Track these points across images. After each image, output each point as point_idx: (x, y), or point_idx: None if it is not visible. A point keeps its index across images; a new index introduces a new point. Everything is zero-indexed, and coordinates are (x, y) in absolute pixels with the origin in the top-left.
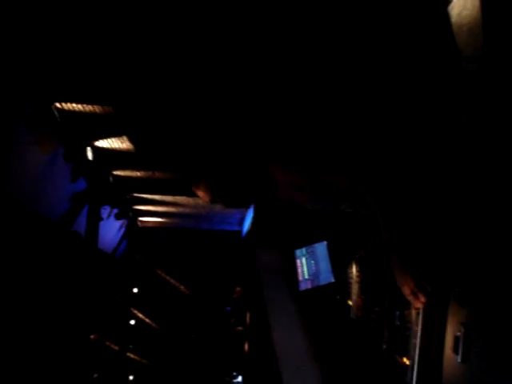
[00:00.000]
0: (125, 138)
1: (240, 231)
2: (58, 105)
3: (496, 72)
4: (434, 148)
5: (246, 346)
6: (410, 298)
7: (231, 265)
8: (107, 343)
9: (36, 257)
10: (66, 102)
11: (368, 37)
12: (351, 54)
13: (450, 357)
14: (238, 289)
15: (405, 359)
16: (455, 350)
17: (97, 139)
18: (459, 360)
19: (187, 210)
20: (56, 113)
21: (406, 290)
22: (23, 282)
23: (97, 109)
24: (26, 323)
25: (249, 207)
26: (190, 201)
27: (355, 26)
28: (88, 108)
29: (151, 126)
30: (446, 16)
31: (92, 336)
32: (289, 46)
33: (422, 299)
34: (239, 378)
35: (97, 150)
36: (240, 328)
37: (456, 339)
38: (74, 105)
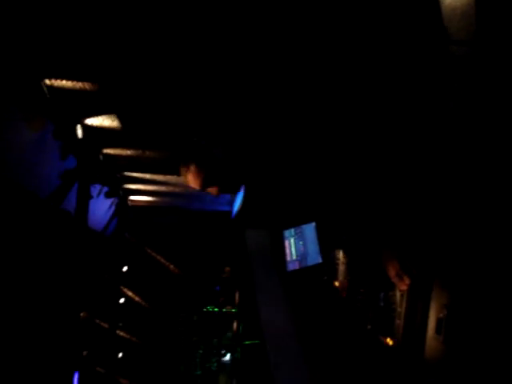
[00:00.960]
0: (115, 116)
1: (230, 211)
2: (47, 81)
3: (488, 56)
4: (420, 145)
5: (235, 325)
6: (395, 280)
7: (221, 245)
8: (97, 321)
9: (24, 234)
10: (55, 79)
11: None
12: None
13: (433, 337)
14: (227, 269)
15: (389, 339)
16: (438, 331)
17: (87, 117)
18: (442, 341)
19: (178, 190)
20: (45, 89)
21: (392, 272)
22: (11, 260)
23: (87, 86)
24: (14, 302)
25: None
26: (180, 180)
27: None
28: (78, 85)
29: (139, 104)
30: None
31: (82, 314)
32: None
33: (407, 281)
34: (227, 357)
35: (87, 128)
36: (229, 307)
37: (439, 321)
38: (64, 81)
